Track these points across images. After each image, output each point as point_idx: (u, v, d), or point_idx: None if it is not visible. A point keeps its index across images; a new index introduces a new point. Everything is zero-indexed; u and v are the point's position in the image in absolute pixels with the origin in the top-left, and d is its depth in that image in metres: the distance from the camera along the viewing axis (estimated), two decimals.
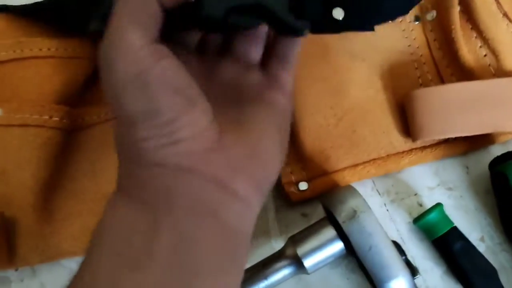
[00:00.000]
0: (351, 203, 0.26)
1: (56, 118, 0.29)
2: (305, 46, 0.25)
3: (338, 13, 0.25)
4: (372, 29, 0.26)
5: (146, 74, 0.18)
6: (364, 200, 0.26)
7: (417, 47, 0.33)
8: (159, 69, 0.18)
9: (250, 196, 0.20)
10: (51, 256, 0.29)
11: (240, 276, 0.20)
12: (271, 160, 0.21)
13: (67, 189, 0.30)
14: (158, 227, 0.18)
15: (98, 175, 0.31)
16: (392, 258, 0.25)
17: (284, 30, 0.21)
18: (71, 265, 0.29)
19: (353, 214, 0.26)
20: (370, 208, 0.26)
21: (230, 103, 0.22)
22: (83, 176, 0.30)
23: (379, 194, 0.30)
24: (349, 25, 0.25)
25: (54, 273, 0.30)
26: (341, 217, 0.26)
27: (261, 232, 0.30)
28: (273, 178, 0.21)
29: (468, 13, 0.32)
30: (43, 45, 0.31)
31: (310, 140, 0.30)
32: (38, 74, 0.31)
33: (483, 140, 0.30)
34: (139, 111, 0.18)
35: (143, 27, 0.18)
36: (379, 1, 0.26)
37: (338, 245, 0.26)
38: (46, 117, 0.29)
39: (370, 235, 0.25)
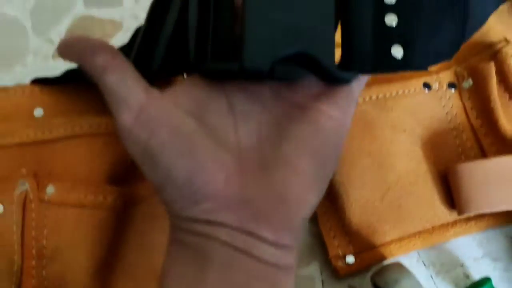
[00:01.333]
0: (404, 284, 0.27)
1: (110, 199, 0.30)
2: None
3: (398, 51, 0.23)
4: (427, 69, 0.24)
5: (146, 149, 0.20)
6: (417, 281, 0.27)
7: (455, 115, 0.33)
8: (155, 140, 0.20)
9: (281, 238, 0.21)
10: None
11: None
12: (302, 196, 0.21)
13: (118, 267, 0.30)
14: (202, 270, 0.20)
15: (147, 249, 0.32)
16: None
17: (330, 80, 0.21)
18: None
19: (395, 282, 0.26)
20: (422, 286, 0.27)
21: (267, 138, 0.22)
22: (132, 252, 0.31)
23: (425, 265, 0.31)
24: (408, 64, 0.23)
25: None
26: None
27: None
28: (307, 211, 0.21)
29: (505, 83, 0.32)
30: (93, 122, 0.32)
31: (357, 214, 0.30)
32: (90, 152, 0.32)
33: None
34: (157, 180, 0.21)
35: (127, 103, 0.20)
36: (436, 39, 0.24)
37: None
38: (101, 198, 0.30)
39: None
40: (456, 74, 0.34)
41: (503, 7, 0.35)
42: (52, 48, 0.37)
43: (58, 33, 0.37)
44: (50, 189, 0.30)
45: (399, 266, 0.28)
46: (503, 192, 0.29)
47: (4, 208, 0.30)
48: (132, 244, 0.31)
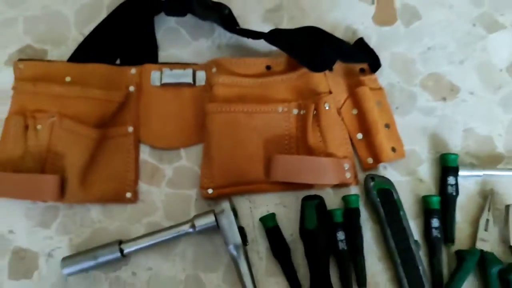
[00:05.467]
0: (224, 205, 0.54)
1: (95, 134, 0.58)
2: (225, 120, 0.54)
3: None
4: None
5: None
6: (229, 207, 0.54)
7: (289, 128, 0.59)
8: None
9: None
10: (81, 200, 0.58)
11: None
12: None
13: (93, 170, 0.59)
14: None
15: (109, 164, 0.60)
16: (234, 230, 0.53)
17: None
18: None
19: (223, 209, 0.54)
20: (231, 211, 0.54)
21: None
22: (101, 164, 0.59)
23: (249, 202, 0.58)
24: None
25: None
26: (216, 211, 0.54)
27: (183, 214, 0.58)
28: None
29: (317, 117, 0.58)
30: (96, 92, 0.60)
31: (217, 167, 0.58)
32: (90, 108, 0.60)
33: (307, 186, 0.58)
34: None
35: None
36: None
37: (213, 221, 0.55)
38: (91, 132, 0.58)
39: (226, 220, 0.54)
40: (298, 106, 0.60)
41: (337, 69, 0.61)
42: None
43: None
44: (66, 122, 0.59)
45: (229, 200, 0.55)
46: (294, 173, 0.56)
47: (42, 127, 0.59)
48: (102, 160, 0.59)
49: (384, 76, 0.62)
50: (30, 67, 0.63)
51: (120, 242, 0.56)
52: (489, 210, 0.55)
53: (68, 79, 0.62)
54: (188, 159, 0.60)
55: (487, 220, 0.55)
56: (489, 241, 0.54)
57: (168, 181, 0.60)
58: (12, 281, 0.57)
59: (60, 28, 0.66)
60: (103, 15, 0.66)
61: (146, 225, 0.58)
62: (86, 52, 0.64)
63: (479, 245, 0.54)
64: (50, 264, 0.57)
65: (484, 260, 0.53)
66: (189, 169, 0.60)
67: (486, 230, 0.55)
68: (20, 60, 0.64)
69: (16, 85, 0.62)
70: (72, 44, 0.65)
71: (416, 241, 0.54)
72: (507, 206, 0.55)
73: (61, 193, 0.57)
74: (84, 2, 0.67)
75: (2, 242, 0.58)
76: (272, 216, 0.57)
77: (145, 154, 0.61)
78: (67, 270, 0.55)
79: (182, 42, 0.65)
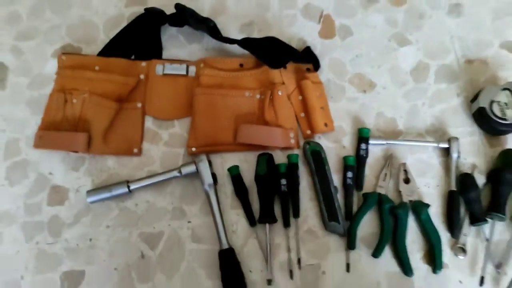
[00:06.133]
0: (202, 157, 0.78)
1: (114, 105, 0.82)
2: (207, 100, 0.78)
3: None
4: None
5: None
6: (206, 159, 0.77)
7: (253, 107, 0.83)
8: None
9: None
10: (101, 152, 0.82)
11: None
12: None
13: (112, 132, 0.83)
14: None
15: (122, 128, 0.83)
16: (208, 174, 0.76)
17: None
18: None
19: (201, 160, 0.77)
20: (207, 161, 0.77)
21: None
22: (117, 128, 0.83)
23: (221, 158, 0.81)
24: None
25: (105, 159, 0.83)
26: (196, 161, 0.78)
27: (174, 165, 0.82)
28: None
29: (272, 100, 0.82)
30: (117, 77, 0.85)
31: (200, 133, 0.81)
32: (112, 88, 0.84)
33: (262, 147, 0.81)
34: None
35: None
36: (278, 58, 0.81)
37: (194, 168, 0.78)
38: (112, 104, 0.82)
39: (203, 168, 0.77)
40: (260, 92, 0.83)
41: (289, 67, 0.85)
42: None
43: None
44: (94, 98, 0.83)
45: (206, 155, 0.78)
46: (253, 136, 0.79)
47: (76, 101, 0.83)
48: (118, 125, 0.83)
49: (323, 74, 0.86)
50: (70, 59, 0.88)
51: (128, 182, 0.79)
52: (387, 167, 0.78)
53: (97, 68, 0.87)
54: (179, 127, 0.84)
55: (385, 174, 0.78)
56: (385, 188, 0.77)
57: (164, 142, 0.83)
58: (49, 207, 0.80)
59: (92, 32, 0.91)
60: (123, 24, 0.91)
61: (146, 172, 0.82)
62: (110, 50, 0.89)
63: (378, 190, 0.77)
64: (77, 196, 0.80)
65: (381, 200, 0.76)
66: (180, 134, 0.84)
67: (384, 180, 0.77)
68: (63, 53, 0.88)
69: (59, 71, 0.87)
70: (100, 44, 0.90)
71: (335, 187, 0.77)
72: (400, 165, 0.78)
73: (88, 147, 0.81)
74: (110, 14, 0.92)
75: (44, 180, 0.82)
76: (236, 167, 0.80)
77: (149, 122, 0.85)
78: (90, 199, 0.78)
79: (180, 45, 0.90)
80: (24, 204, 0.80)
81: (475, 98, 0.80)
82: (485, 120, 0.78)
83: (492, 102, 0.77)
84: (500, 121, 0.76)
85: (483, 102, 0.77)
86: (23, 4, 0.94)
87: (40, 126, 0.83)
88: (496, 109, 0.76)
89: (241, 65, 0.87)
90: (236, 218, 0.78)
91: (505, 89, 0.78)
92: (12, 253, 0.77)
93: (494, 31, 0.88)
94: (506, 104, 0.76)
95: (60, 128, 0.82)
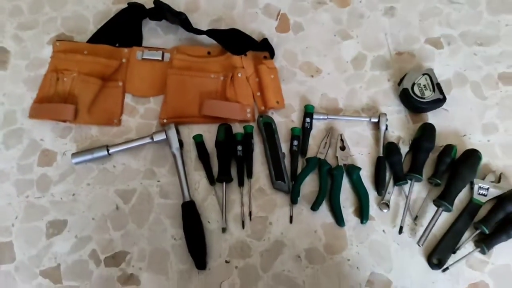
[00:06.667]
0: (171, 126, 0.92)
1: (99, 82, 0.96)
2: (178, 79, 0.93)
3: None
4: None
5: None
6: (173, 127, 0.91)
7: (216, 87, 0.98)
8: None
9: None
10: (86, 122, 0.96)
11: None
12: None
13: (95, 104, 0.97)
14: None
15: (105, 102, 0.98)
16: (175, 139, 0.90)
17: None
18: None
19: (170, 127, 0.92)
20: (174, 129, 0.91)
21: None
22: (100, 101, 0.98)
23: (188, 129, 0.96)
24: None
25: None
26: (166, 129, 0.92)
27: (147, 133, 0.96)
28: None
29: (233, 80, 0.97)
30: (103, 60, 0.99)
31: (170, 107, 0.96)
32: (99, 68, 0.99)
33: (223, 120, 0.95)
34: None
35: None
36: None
37: (164, 135, 0.92)
38: (97, 80, 0.96)
39: (172, 134, 0.91)
40: (223, 75, 0.98)
41: (249, 55, 1.00)
42: None
43: None
44: (82, 76, 0.97)
45: (175, 125, 0.92)
46: (217, 109, 0.93)
47: (66, 79, 0.98)
48: (101, 99, 0.98)
49: (278, 62, 1.02)
50: (63, 44, 1.03)
51: (107, 146, 0.93)
52: (327, 138, 0.93)
53: (85, 52, 1.02)
54: (154, 103, 0.99)
55: (325, 143, 0.92)
56: (324, 153, 0.91)
57: (140, 115, 0.98)
58: (39, 167, 0.93)
59: (83, 24, 1.07)
60: (110, 17, 1.06)
61: (124, 139, 0.95)
62: (98, 38, 1.04)
63: (319, 156, 0.91)
64: (64, 159, 0.94)
65: (320, 163, 0.90)
66: (154, 109, 0.98)
67: (324, 148, 0.92)
68: (57, 40, 1.03)
69: (53, 55, 1.02)
70: (90, 34, 1.05)
71: (283, 153, 0.92)
72: (338, 135, 0.93)
73: (75, 117, 0.95)
74: (99, 9, 1.08)
75: (36, 145, 0.95)
76: (200, 135, 0.94)
77: (128, 98, 0.99)
78: (74, 160, 0.92)
79: (157, 36, 1.05)
80: (17, 165, 0.93)
81: (401, 81, 0.96)
82: (408, 99, 0.93)
83: (413, 84, 0.92)
84: (420, 99, 0.91)
85: (406, 84, 0.93)
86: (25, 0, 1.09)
87: (35, 100, 0.97)
88: (416, 90, 0.92)
89: (208, 52, 1.02)
90: (198, 178, 0.92)
91: (425, 74, 0.93)
92: (4, 204, 0.90)
93: (421, 30, 1.04)
94: (425, 86, 0.92)
95: (52, 101, 0.96)
